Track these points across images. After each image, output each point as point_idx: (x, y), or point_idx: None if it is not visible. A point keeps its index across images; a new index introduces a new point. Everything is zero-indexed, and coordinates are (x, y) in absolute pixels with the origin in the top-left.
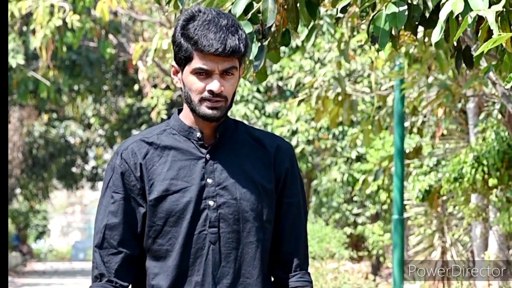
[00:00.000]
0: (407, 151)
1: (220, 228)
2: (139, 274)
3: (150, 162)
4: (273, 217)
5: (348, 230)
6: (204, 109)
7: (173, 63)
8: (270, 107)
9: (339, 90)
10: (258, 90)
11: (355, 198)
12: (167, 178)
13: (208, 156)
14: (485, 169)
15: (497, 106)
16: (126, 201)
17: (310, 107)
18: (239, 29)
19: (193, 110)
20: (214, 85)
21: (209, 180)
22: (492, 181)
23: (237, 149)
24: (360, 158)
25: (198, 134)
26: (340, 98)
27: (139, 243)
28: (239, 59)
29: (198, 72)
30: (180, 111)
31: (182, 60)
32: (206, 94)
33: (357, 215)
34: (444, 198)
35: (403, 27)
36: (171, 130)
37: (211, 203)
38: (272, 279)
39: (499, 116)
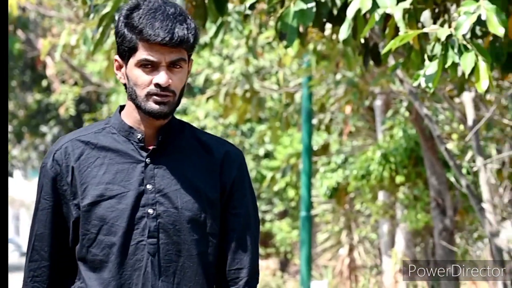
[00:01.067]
0: (315, 148)
1: (159, 239)
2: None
3: (85, 164)
4: (218, 229)
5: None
6: (151, 104)
7: (116, 57)
8: None
9: (247, 87)
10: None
11: (263, 195)
12: (103, 182)
13: (148, 160)
14: (393, 166)
15: (405, 104)
16: (56, 208)
17: (218, 103)
18: (188, 19)
19: (138, 107)
20: (161, 77)
21: (148, 186)
22: (399, 179)
23: (181, 154)
24: (268, 155)
25: (139, 136)
26: (248, 95)
27: (73, 253)
28: (187, 51)
29: (143, 65)
30: (122, 108)
31: (126, 52)
32: (152, 88)
33: (265, 212)
34: (352, 195)
35: (311, 24)
36: (111, 129)
37: (150, 211)
38: None
39: (407, 114)
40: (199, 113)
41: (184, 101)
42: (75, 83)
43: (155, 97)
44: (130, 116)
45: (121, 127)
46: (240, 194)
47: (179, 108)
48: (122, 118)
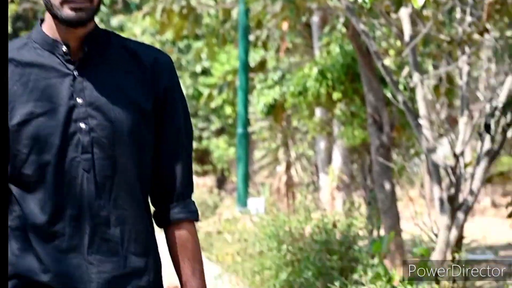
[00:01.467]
0: (252, 65)
1: (94, 154)
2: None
3: (10, 82)
4: (152, 141)
5: (193, 144)
6: (67, 11)
7: None
8: (115, 21)
9: (183, 3)
10: (103, 3)
11: (200, 113)
12: (30, 100)
13: (76, 72)
14: (329, 82)
15: (342, 20)
16: None
17: (155, 20)
18: None
19: (55, 17)
20: None
21: (78, 100)
22: (336, 95)
23: (110, 64)
24: (205, 72)
25: (64, 48)
26: (185, 11)
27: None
28: None
29: None
30: (43, 21)
31: None
32: None
33: (202, 129)
34: (289, 112)
35: None
36: (33, 44)
37: (82, 125)
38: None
39: (343, 30)
40: (136, 30)
41: (120, 17)
42: (12, 0)
43: (70, 4)
44: (51, 29)
45: (44, 41)
46: (172, 103)
47: (115, 24)
48: (44, 32)
